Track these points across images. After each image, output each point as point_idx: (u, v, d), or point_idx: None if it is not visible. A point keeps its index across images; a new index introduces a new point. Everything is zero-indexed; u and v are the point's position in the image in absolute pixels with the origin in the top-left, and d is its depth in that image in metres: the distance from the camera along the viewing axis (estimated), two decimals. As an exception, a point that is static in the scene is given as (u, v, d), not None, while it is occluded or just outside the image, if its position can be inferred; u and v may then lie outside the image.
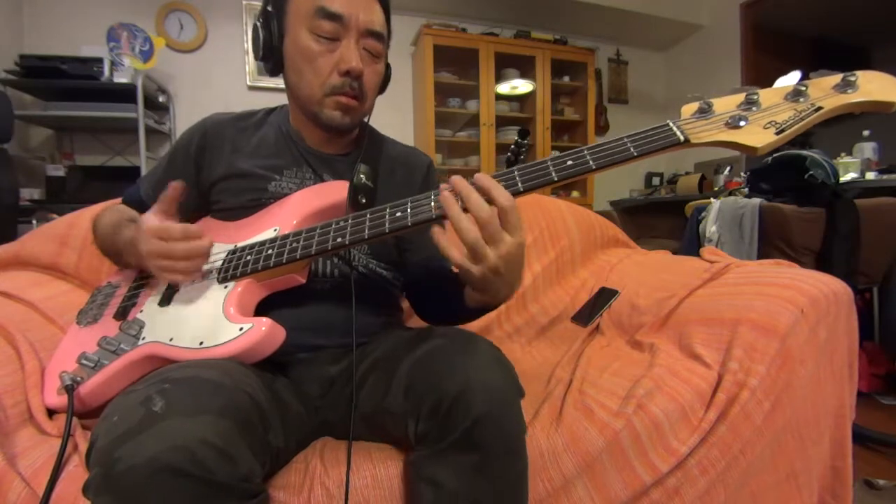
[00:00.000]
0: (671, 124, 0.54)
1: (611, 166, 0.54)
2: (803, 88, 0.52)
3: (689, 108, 0.56)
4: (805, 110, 0.51)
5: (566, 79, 3.54)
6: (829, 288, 0.78)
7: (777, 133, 0.51)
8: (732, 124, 0.52)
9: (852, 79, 0.50)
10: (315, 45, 0.68)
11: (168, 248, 0.60)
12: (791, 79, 0.55)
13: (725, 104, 0.54)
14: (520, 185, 0.55)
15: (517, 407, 0.55)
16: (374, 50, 0.71)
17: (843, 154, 2.18)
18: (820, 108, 0.51)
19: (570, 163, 0.54)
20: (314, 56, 0.68)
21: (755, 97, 0.53)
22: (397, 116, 3.36)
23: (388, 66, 0.78)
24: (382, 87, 0.79)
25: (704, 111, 0.54)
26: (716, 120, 0.53)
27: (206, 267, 0.66)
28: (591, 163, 0.54)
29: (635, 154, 0.53)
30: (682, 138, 0.53)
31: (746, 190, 1.94)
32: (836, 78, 0.52)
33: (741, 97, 0.54)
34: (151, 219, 0.64)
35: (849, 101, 0.50)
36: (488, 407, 0.50)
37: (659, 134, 0.54)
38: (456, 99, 3.31)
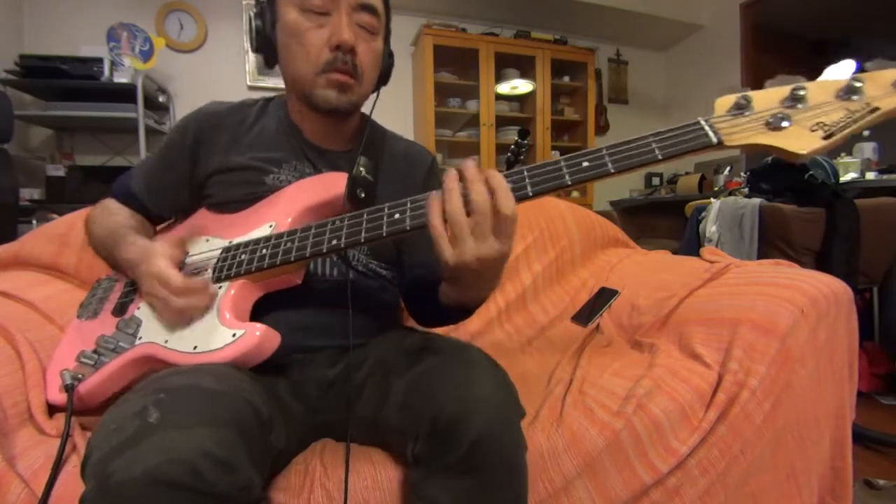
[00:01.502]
0: (703, 123, 0.48)
1: (631, 170, 0.48)
2: (859, 85, 0.44)
3: (724, 103, 0.48)
4: (858, 111, 0.43)
5: (566, 79, 3.53)
6: (829, 288, 0.78)
7: (825, 138, 0.43)
8: (774, 125, 0.45)
9: None
10: (304, 20, 0.65)
11: (165, 296, 0.58)
12: (844, 71, 0.47)
13: (767, 100, 0.47)
14: (529, 189, 0.50)
15: (517, 427, 0.54)
16: (368, 25, 0.67)
17: (843, 154, 2.18)
18: (876, 109, 0.43)
19: (585, 164, 0.49)
20: (303, 32, 0.65)
21: (802, 93, 0.45)
22: (397, 116, 3.36)
23: (390, 54, 0.75)
24: (385, 77, 0.76)
25: (742, 107, 0.47)
26: (754, 118, 0.46)
27: (200, 264, 0.65)
28: (609, 166, 0.49)
29: (660, 157, 0.47)
30: (714, 140, 0.46)
31: (746, 190, 1.94)
32: None
33: (786, 91, 0.46)
34: (159, 259, 0.60)
35: None
36: (487, 429, 0.49)
37: (688, 134, 0.47)
38: (456, 99, 3.31)
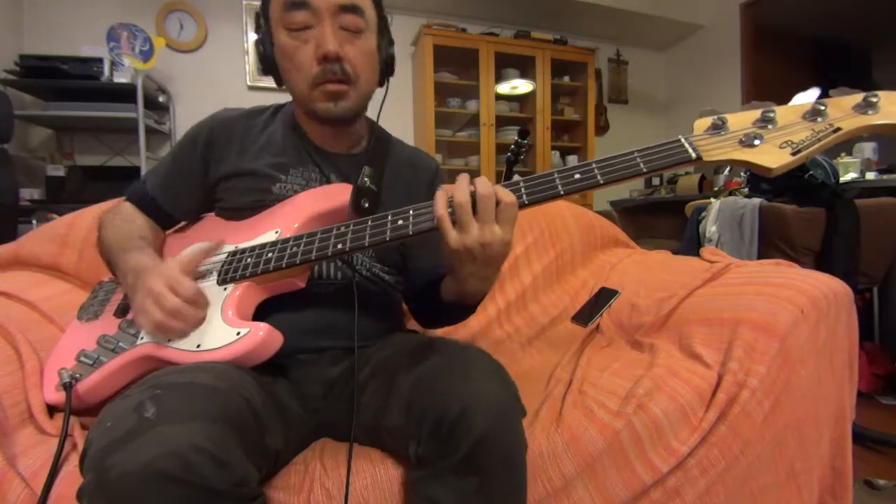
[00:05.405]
0: (683, 140, 0.53)
1: (619, 181, 0.54)
2: (822, 108, 0.50)
3: (702, 124, 0.54)
4: (823, 131, 0.49)
5: (566, 79, 3.53)
6: (829, 288, 0.78)
7: (793, 154, 0.49)
8: (747, 142, 0.51)
9: (874, 100, 0.48)
10: (291, 40, 0.67)
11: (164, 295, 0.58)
12: (809, 96, 0.53)
13: (740, 121, 0.53)
14: (525, 198, 0.55)
15: (518, 426, 0.54)
16: (352, 26, 0.67)
17: (843, 154, 2.18)
18: (838, 130, 0.49)
19: (577, 177, 0.55)
20: (293, 52, 0.67)
21: (771, 115, 0.51)
22: (397, 116, 3.36)
23: (390, 43, 0.74)
24: (389, 68, 0.75)
25: (718, 127, 0.53)
26: (729, 137, 0.52)
27: (205, 267, 0.66)
28: (599, 178, 0.54)
29: (645, 170, 0.53)
30: (693, 155, 0.51)
31: (746, 190, 1.94)
32: (857, 97, 0.50)
33: (757, 114, 0.52)
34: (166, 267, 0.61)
35: (869, 123, 0.48)
36: (489, 427, 0.49)
37: (670, 150, 0.53)
38: (456, 99, 3.31)
